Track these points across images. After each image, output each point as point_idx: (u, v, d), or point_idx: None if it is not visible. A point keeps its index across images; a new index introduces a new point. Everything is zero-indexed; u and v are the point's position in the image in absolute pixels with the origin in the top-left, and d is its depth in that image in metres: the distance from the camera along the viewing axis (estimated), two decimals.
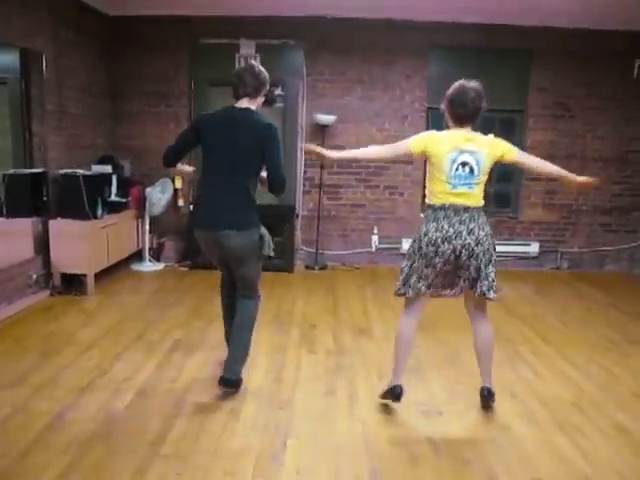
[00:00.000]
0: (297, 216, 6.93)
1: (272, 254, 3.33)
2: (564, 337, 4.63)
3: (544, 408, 3.34)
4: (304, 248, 7.05)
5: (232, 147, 3.06)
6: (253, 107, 3.18)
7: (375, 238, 7.03)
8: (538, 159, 3.23)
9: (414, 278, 3.07)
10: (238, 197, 3.10)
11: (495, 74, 6.79)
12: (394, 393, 3.21)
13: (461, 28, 6.59)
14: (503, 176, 7.03)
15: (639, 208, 7.11)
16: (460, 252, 2.97)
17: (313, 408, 3.26)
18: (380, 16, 6.48)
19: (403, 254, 6.84)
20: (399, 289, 3.15)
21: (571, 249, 7.17)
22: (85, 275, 5.35)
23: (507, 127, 7.07)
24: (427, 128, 6.79)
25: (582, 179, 3.19)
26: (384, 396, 3.27)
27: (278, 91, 6.78)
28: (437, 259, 2.98)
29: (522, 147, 6.89)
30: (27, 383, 3.43)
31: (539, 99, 6.89)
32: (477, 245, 2.98)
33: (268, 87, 3.24)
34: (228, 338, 3.50)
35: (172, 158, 3.27)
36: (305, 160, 6.91)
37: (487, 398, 3.24)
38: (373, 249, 7.06)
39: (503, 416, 3.23)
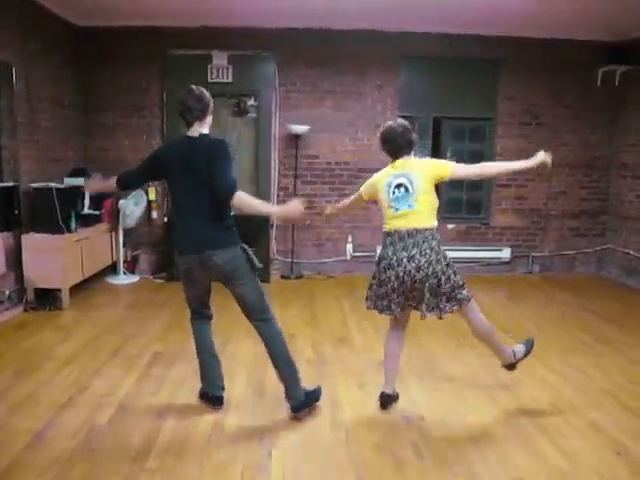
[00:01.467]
0: (272, 226, 6.94)
1: (260, 265, 3.33)
2: (539, 340, 4.66)
3: (523, 410, 3.41)
4: (279, 258, 7.07)
5: (196, 174, 3.06)
6: (206, 129, 3.19)
7: (350, 247, 7.07)
8: (479, 165, 3.32)
9: (377, 299, 3.28)
10: (212, 218, 3.09)
11: (464, 83, 6.98)
12: (381, 399, 3.39)
13: (431, 38, 6.72)
14: (473, 183, 7.16)
15: (606, 212, 7.31)
16: (403, 278, 3.11)
17: (296, 418, 3.27)
18: (351, 27, 6.57)
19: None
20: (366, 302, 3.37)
21: (542, 253, 7.33)
22: (59, 290, 5.28)
23: (477, 135, 7.22)
24: None
25: (538, 160, 3.20)
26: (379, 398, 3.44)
27: (251, 102, 6.82)
28: (390, 284, 3.15)
29: (491, 154, 7.12)
30: (5, 401, 3.37)
31: (507, 107, 7.05)
32: (418, 271, 3.08)
33: (213, 105, 3.21)
34: (204, 370, 3.42)
35: (130, 182, 3.42)
36: (279, 169, 6.95)
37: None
38: (348, 258, 7.10)
39: (484, 419, 3.29)
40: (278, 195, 6.98)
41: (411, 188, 3.12)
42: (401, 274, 3.10)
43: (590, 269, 7.41)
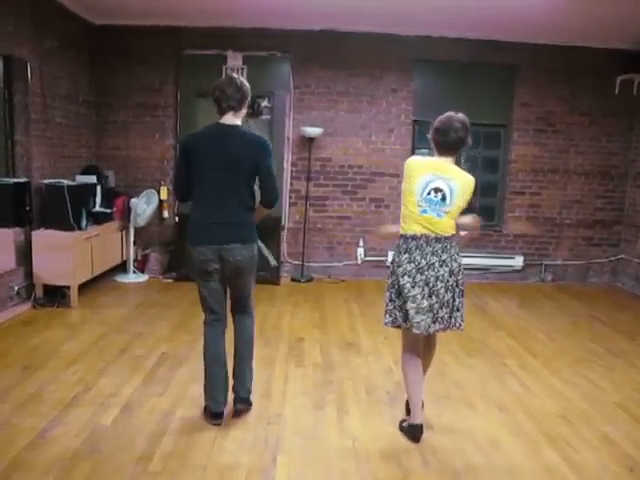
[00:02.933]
0: (283, 228, 6.92)
1: (275, 263, 3.34)
2: (550, 350, 4.66)
3: (532, 420, 3.35)
4: (290, 260, 7.03)
5: (229, 164, 3.01)
6: (239, 121, 3.14)
7: (361, 251, 7.03)
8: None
9: (395, 312, 3.08)
10: (240, 212, 3.08)
11: (480, 88, 6.91)
12: (413, 433, 3.08)
13: (447, 42, 6.67)
14: (487, 190, 7.10)
15: (621, 222, 7.21)
16: (434, 284, 2.93)
17: (303, 423, 3.23)
18: (366, 30, 6.54)
19: (389, 267, 6.93)
20: (385, 321, 3.17)
21: (555, 262, 7.24)
22: (68, 287, 5.27)
23: (492, 141, 7.16)
24: (413, 140, 6.86)
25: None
26: (402, 430, 3.16)
27: (265, 103, 6.79)
28: (414, 291, 2.93)
29: (506, 161, 7.06)
30: (9, 398, 3.35)
31: (523, 114, 6.98)
32: (451, 276, 2.95)
33: (250, 99, 3.18)
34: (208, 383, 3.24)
35: (187, 191, 3.13)
36: (291, 172, 6.92)
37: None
38: (359, 262, 7.06)
39: (492, 429, 3.23)
40: (290, 197, 6.96)
41: (449, 198, 2.90)
42: (432, 279, 2.92)
43: (603, 279, 7.31)
